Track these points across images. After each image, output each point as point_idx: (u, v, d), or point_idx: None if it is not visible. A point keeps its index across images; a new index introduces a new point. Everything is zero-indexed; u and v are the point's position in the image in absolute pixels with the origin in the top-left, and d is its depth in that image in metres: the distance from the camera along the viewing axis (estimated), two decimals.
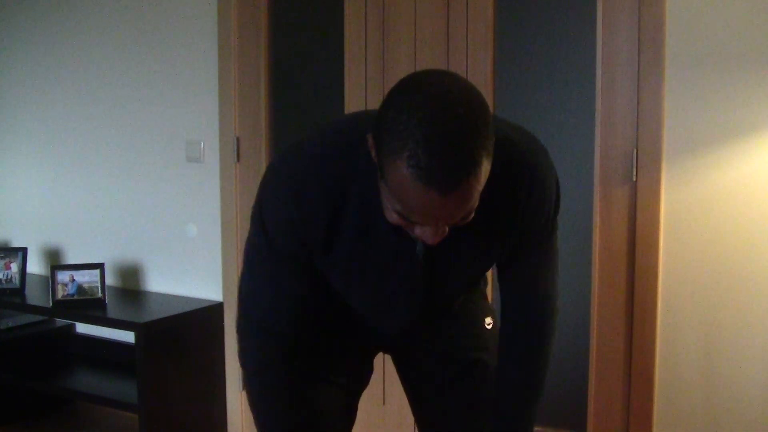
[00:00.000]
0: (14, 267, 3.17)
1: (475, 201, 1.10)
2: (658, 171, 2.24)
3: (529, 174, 1.30)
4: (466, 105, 1.07)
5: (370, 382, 1.67)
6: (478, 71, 2.48)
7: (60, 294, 2.95)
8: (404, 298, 1.41)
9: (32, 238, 3.50)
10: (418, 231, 1.15)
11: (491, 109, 2.49)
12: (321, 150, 1.28)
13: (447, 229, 1.14)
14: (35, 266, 3.48)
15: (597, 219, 2.35)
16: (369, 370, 1.65)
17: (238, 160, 2.95)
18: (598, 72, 2.32)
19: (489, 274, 1.70)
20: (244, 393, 2.95)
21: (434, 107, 1.05)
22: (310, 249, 1.33)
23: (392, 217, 1.15)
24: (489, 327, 1.62)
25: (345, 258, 1.33)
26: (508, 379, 1.50)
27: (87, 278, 2.98)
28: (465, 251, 1.34)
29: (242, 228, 2.95)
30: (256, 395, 1.53)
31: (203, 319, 2.98)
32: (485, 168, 1.08)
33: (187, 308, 2.97)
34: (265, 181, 1.35)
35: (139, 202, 3.22)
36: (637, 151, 2.27)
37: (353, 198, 1.26)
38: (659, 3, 2.20)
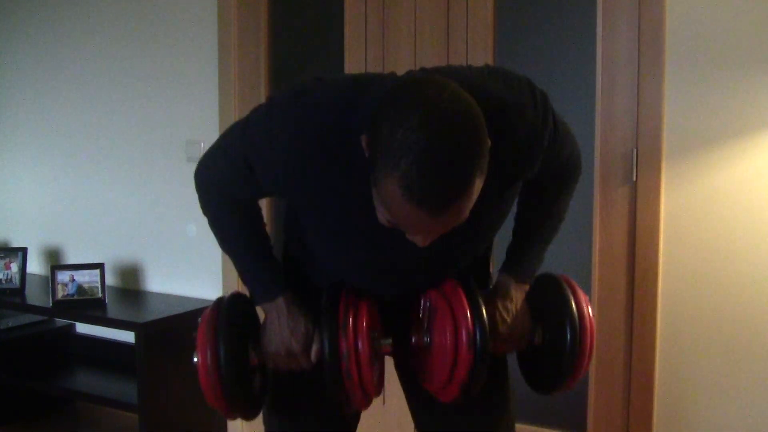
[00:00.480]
0: (14, 267, 3.17)
1: (466, 215, 1.10)
2: (658, 171, 2.24)
3: (514, 126, 1.26)
4: (463, 125, 1.06)
5: None
6: None
7: (60, 294, 2.95)
8: (404, 261, 1.37)
9: (32, 238, 3.50)
10: (408, 235, 1.14)
11: None
12: (321, 104, 1.25)
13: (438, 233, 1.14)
14: (35, 266, 3.48)
15: (597, 219, 2.35)
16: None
17: None
18: (598, 72, 2.31)
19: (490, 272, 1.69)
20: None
21: (430, 129, 1.04)
22: (291, 195, 1.33)
23: (382, 217, 1.15)
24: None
25: (334, 217, 1.31)
26: (525, 221, 1.50)
27: (87, 278, 2.98)
28: (475, 215, 1.26)
29: None
30: (228, 244, 1.52)
31: None
32: (478, 185, 1.07)
33: (187, 308, 2.97)
34: (262, 114, 1.32)
35: (139, 202, 3.22)
36: (637, 151, 2.27)
37: (346, 159, 1.23)
38: (659, 3, 2.20)
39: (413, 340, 1.44)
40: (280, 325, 1.43)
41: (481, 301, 1.37)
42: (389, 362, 1.73)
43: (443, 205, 1.05)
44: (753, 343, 2.17)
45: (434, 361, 1.41)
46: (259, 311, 1.51)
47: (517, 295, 1.47)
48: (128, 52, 3.17)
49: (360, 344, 1.34)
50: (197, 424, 2.97)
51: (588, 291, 2.39)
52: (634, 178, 2.28)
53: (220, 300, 1.48)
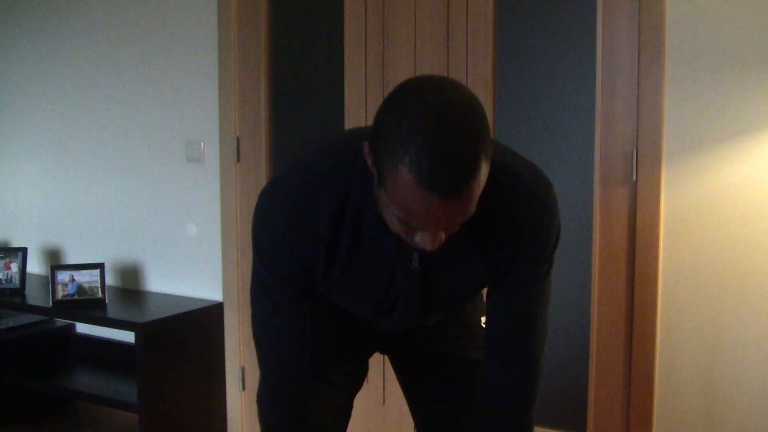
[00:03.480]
0: (14, 267, 3.17)
1: (474, 205, 1.11)
2: (658, 171, 2.24)
3: (528, 199, 1.30)
4: (466, 109, 1.08)
5: (370, 382, 1.67)
6: (478, 71, 2.48)
7: (60, 294, 2.95)
8: (402, 308, 1.41)
9: (32, 238, 3.50)
10: (417, 238, 1.15)
11: (491, 109, 2.49)
12: (313, 173, 1.29)
13: (444, 236, 1.15)
14: (35, 266, 3.48)
15: (597, 219, 2.35)
16: (365, 371, 1.65)
17: (238, 160, 2.95)
18: (598, 72, 2.32)
19: None
20: (244, 393, 2.96)
21: (434, 112, 1.06)
22: (309, 270, 1.34)
23: (392, 223, 1.16)
24: (485, 326, 1.62)
25: (343, 273, 1.33)
26: (497, 416, 1.49)
27: (87, 278, 2.98)
28: (459, 269, 1.34)
29: (242, 228, 2.95)
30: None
31: (203, 319, 2.98)
32: (484, 172, 1.09)
33: (187, 308, 2.97)
34: (259, 211, 1.35)
35: (139, 202, 3.22)
36: (637, 151, 2.27)
37: (348, 215, 1.26)
38: (659, 3, 2.20)
39: None
40: None
41: None
42: (389, 362, 1.74)
43: (454, 187, 1.06)
44: (753, 343, 2.17)
45: None
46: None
47: None
48: (128, 52, 3.18)
49: None
50: (197, 424, 2.98)
51: (588, 291, 2.39)
52: (634, 178, 2.28)
53: None
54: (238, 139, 2.95)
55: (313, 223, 1.27)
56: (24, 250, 3.21)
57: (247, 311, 1.53)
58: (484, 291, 1.68)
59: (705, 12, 2.15)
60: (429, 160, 1.04)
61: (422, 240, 1.15)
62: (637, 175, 2.27)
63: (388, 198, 1.11)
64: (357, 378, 1.62)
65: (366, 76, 2.68)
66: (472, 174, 1.06)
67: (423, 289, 1.37)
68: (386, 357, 1.73)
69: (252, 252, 1.41)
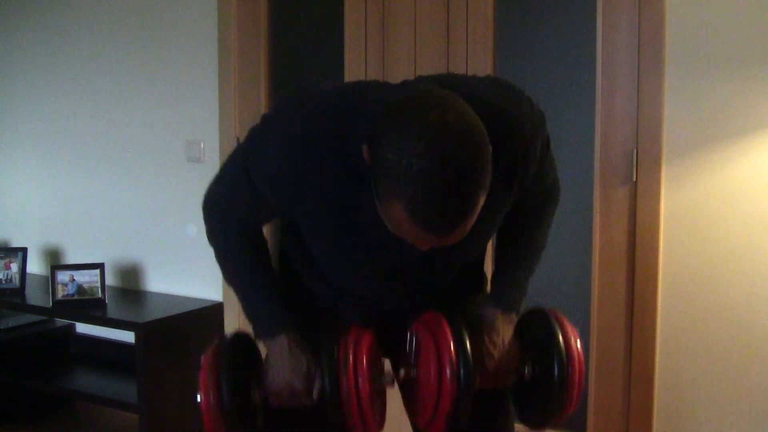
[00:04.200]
0: (14, 267, 3.17)
1: (469, 229, 1.11)
2: (658, 171, 2.24)
3: (512, 134, 1.26)
4: (468, 148, 1.06)
5: None
6: (478, 71, 2.48)
7: (60, 294, 2.95)
8: (402, 268, 1.38)
9: (32, 238, 3.50)
10: (412, 243, 1.15)
11: None
12: (316, 117, 1.25)
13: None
14: (35, 266, 3.48)
15: (597, 219, 2.35)
16: None
17: None
18: (598, 72, 2.31)
19: (488, 272, 1.69)
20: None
21: (435, 155, 1.04)
22: (293, 210, 1.32)
23: (388, 225, 1.16)
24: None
25: (334, 227, 1.32)
26: (507, 252, 1.50)
27: (87, 278, 2.98)
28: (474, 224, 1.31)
29: None
30: (231, 277, 1.57)
31: (203, 319, 2.98)
32: (481, 202, 1.09)
33: (187, 308, 2.97)
34: (258, 134, 1.33)
35: (139, 202, 3.22)
36: (637, 151, 2.27)
37: (345, 169, 1.24)
38: (659, 3, 2.20)
39: (401, 374, 1.45)
40: (282, 364, 1.43)
41: (465, 333, 1.37)
42: (388, 363, 1.73)
43: (450, 229, 1.07)
44: (753, 342, 2.17)
45: (421, 395, 1.41)
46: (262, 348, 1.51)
47: (504, 327, 1.47)
48: (128, 52, 3.17)
49: (361, 383, 1.35)
50: (197, 424, 2.97)
51: (588, 291, 2.39)
52: (634, 178, 2.28)
53: (222, 338, 1.49)
54: (238, 139, 2.95)
55: (312, 167, 1.24)
56: (24, 250, 3.21)
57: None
58: (485, 289, 1.69)
59: (705, 12, 2.15)
60: (427, 204, 1.04)
61: (417, 245, 1.15)
62: (637, 175, 2.27)
63: (383, 215, 1.12)
64: None
65: (366, 76, 2.68)
66: (469, 214, 1.07)
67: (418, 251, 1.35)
68: (386, 360, 1.72)
69: (240, 153, 1.37)
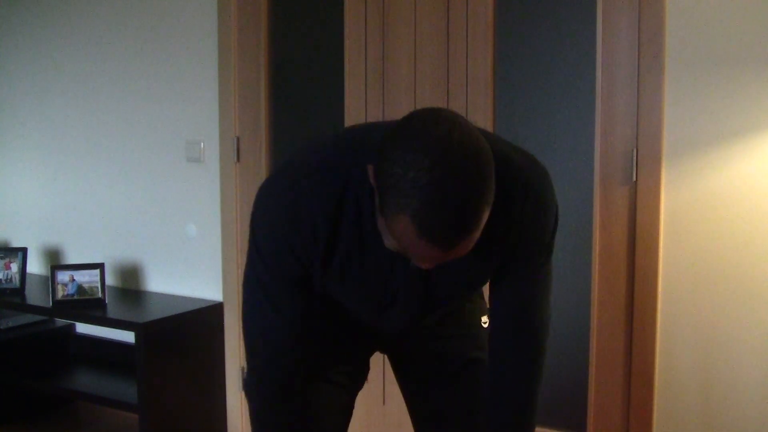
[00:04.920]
0: (14, 267, 3.17)
1: (473, 244, 1.13)
2: (658, 171, 2.24)
3: (524, 190, 1.30)
4: (471, 160, 1.08)
5: (370, 382, 1.67)
6: (478, 71, 2.48)
7: (60, 294, 2.95)
8: (402, 304, 1.42)
9: (32, 238, 3.50)
10: (413, 261, 1.16)
11: (491, 109, 2.49)
12: (311, 169, 1.29)
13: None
14: (35, 266, 3.48)
15: (597, 219, 2.35)
16: (366, 370, 1.65)
17: (238, 160, 2.95)
18: (598, 72, 2.32)
19: None
20: (244, 393, 2.96)
21: (441, 169, 1.05)
22: (308, 267, 1.34)
23: (391, 245, 1.18)
24: (485, 326, 1.62)
25: (342, 270, 1.34)
26: (502, 401, 1.49)
27: (87, 278, 2.98)
28: (460, 264, 1.34)
29: (242, 228, 2.95)
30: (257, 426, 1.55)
31: (203, 319, 2.98)
32: (486, 216, 1.10)
33: (187, 308, 2.97)
34: (258, 205, 1.35)
35: (139, 202, 3.22)
36: (637, 151, 2.27)
37: (348, 212, 1.27)
38: (659, 3, 2.20)
39: None
40: None
41: None
42: (389, 364, 1.74)
43: (455, 242, 1.08)
44: (753, 342, 2.17)
45: None
46: None
47: None
48: (128, 52, 3.18)
49: None
50: (197, 424, 2.98)
51: (588, 291, 2.39)
52: (634, 178, 2.28)
53: None
54: (238, 139, 2.95)
55: (312, 221, 1.27)
56: (24, 250, 3.21)
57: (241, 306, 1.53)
58: (485, 290, 1.69)
59: (705, 12, 2.15)
60: (432, 218, 1.05)
61: (420, 263, 1.16)
62: (637, 175, 2.27)
63: (388, 230, 1.12)
64: (358, 377, 1.62)
65: (366, 76, 2.68)
66: (473, 227, 1.08)
67: (423, 287, 1.37)
68: (386, 357, 1.73)
69: (249, 245, 1.40)
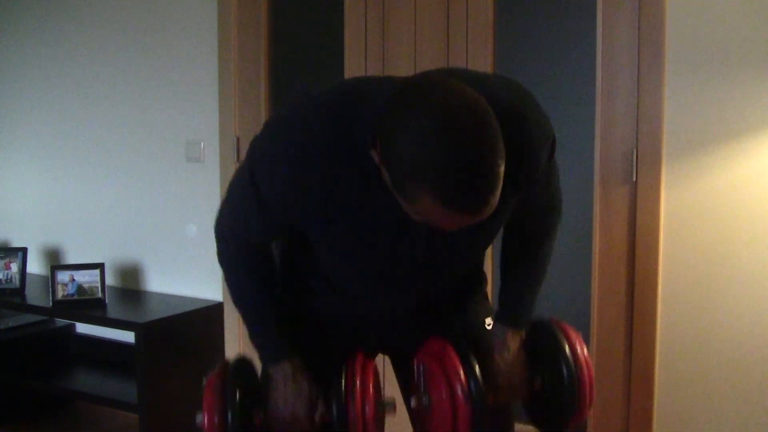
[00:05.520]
0: (14, 267, 3.17)
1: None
2: (658, 171, 2.24)
3: (518, 128, 1.25)
4: (478, 120, 1.07)
5: None
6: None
7: (60, 294, 2.95)
8: (407, 269, 1.39)
9: (32, 238, 3.50)
10: (442, 227, 1.16)
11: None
12: (318, 121, 1.26)
13: None
14: (35, 266, 3.48)
15: (597, 219, 2.35)
16: None
17: (238, 160, 2.95)
18: (598, 72, 2.31)
19: (488, 272, 1.69)
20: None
21: (449, 135, 1.04)
22: (303, 219, 1.32)
23: (416, 217, 1.16)
24: (489, 328, 1.62)
25: (343, 230, 1.32)
26: (513, 267, 1.52)
27: (87, 278, 2.98)
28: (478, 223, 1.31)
29: None
30: (238, 299, 1.55)
31: (203, 319, 2.98)
32: (503, 170, 1.09)
33: (187, 308, 2.97)
34: (261, 144, 1.33)
35: (139, 202, 3.22)
36: (637, 151, 2.27)
37: (352, 169, 1.24)
38: (659, 3, 2.20)
39: (413, 405, 1.48)
40: (285, 390, 1.45)
41: (471, 353, 1.41)
42: (389, 362, 1.74)
43: (481, 204, 1.07)
44: (753, 342, 2.17)
45: (436, 421, 1.43)
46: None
47: (513, 344, 1.50)
48: (128, 52, 3.18)
49: (367, 409, 1.39)
50: (197, 424, 2.97)
51: (588, 291, 2.39)
52: (634, 178, 2.28)
53: (225, 362, 1.51)
54: (238, 139, 2.95)
55: (319, 172, 1.24)
56: (24, 250, 3.21)
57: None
58: (487, 290, 1.69)
59: (705, 12, 2.15)
60: (454, 186, 1.05)
61: (447, 228, 1.15)
62: (637, 175, 2.27)
63: (408, 207, 1.11)
64: None
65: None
66: (495, 185, 1.07)
67: (431, 244, 1.34)
68: (386, 357, 1.73)
69: (243, 168, 1.36)
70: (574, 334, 1.47)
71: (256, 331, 1.52)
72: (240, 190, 1.40)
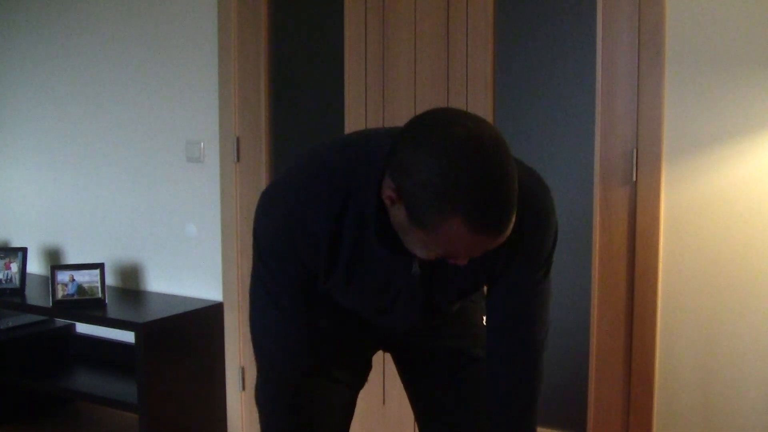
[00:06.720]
0: (14, 267, 3.17)
1: None
2: (658, 171, 2.24)
3: (529, 208, 1.30)
4: (495, 143, 1.10)
5: (370, 382, 1.68)
6: (478, 71, 2.48)
7: (60, 294, 2.95)
8: (403, 308, 1.42)
9: (32, 238, 3.50)
10: (451, 261, 1.18)
11: (491, 109, 2.49)
12: (314, 179, 1.29)
13: None
14: (35, 266, 3.48)
15: (597, 219, 2.35)
16: (368, 367, 1.66)
17: (238, 160, 2.95)
18: (598, 72, 2.32)
19: None
20: (244, 393, 2.96)
21: (477, 162, 1.07)
22: (311, 270, 1.34)
23: (422, 253, 1.18)
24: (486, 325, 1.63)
25: (344, 277, 1.34)
26: (501, 416, 1.49)
27: (87, 278, 2.98)
28: (459, 271, 1.34)
29: (242, 228, 2.95)
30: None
31: (203, 319, 2.98)
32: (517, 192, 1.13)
33: (187, 308, 2.97)
34: (261, 211, 1.36)
35: (139, 202, 3.22)
36: (637, 151, 2.27)
37: (350, 223, 1.27)
38: (659, 3, 2.20)
39: None
40: None
41: None
42: (389, 362, 1.74)
43: (505, 225, 1.11)
44: (753, 342, 2.17)
45: None
46: None
47: None
48: (128, 52, 3.18)
49: None
50: (197, 424, 2.98)
51: (588, 291, 2.39)
52: (634, 178, 2.28)
53: None
54: (238, 139, 2.95)
55: (314, 228, 1.28)
56: (24, 250, 3.21)
57: (248, 311, 1.53)
58: (486, 289, 1.70)
59: (705, 12, 2.15)
60: (483, 211, 1.07)
61: (456, 261, 1.18)
62: (637, 175, 2.27)
63: (428, 239, 1.13)
64: (360, 374, 1.63)
65: (366, 76, 2.68)
66: (515, 204, 1.11)
67: (424, 291, 1.38)
68: (387, 355, 1.73)
69: (252, 249, 1.41)
70: None
71: None
72: (257, 287, 1.43)
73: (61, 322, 3.40)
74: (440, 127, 1.10)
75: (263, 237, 1.35)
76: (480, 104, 2.48)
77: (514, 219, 1.12)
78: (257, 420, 1.59)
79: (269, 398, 1.53)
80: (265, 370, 1.51)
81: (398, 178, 1.12)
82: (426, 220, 1.11)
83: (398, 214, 1.15)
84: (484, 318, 1.64)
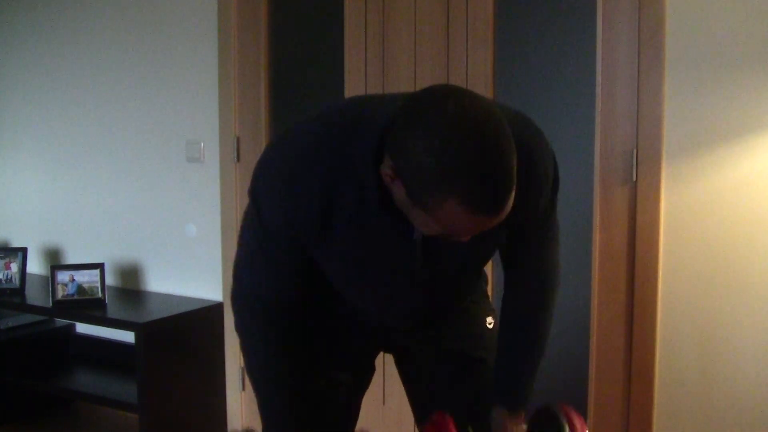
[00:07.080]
0: (14, 267, 3.17)
1: None
2: (658, 171, 2.24)
3: (525, 158, 1.25)
4: (490, 122, 1.09)
5: (371, 382, 1.67)
6: (478, 71, 2.48)
7: (60, 294, 2.95)
8: (405, 288, 1.40)
9: (32, 238, 3.50)
10: (454, 238, 1.17)
11: None
12: (315, 138, 1.26)
13: None
14: (35, 266, 3.48)
15: (597, 219, 2.35)
16: (371, 369, 1.65)
17: (238, 160, 2.95)
18: (598, 72, 2.32)
19: (489, 271, 1.70)
20: (244, 393, 2.96)
21: (473, 142, 1.06)
22: (302, 237, 1.32)
23: (425, 230, 1.17)
24: (490, 327, 1.62)
25: (341, 249, 1.32)
26: (511, 345, 1.51)
27: (87, 278, 2.98)
28: (468, 242, 1.32)
29: None
30: (255, 374, 1.54)
31: (203, 319, 2.98)
32: (516, 166, 1.11)
33: (187, 308, 2.97)
34: (261, 163, 1.34)
35: (139, 202, 3.22)
36: (637, 151, 2.27)
37: (348, 188, 1.24)
38: (659, 3, 2.20)
39: None
40: None
41: None
42: (389, 362, 1.74)
43: (504, 203, 1.10)
44: (753, 342, 2.17)
45: None
46: None
47: (513, 428, 1.51)
48: (128, 52, 3.18)
49: None
50: (197, 424, 2.98)
51: (588, 291, 2.39)
52: (634, 178, 2.28)
53: None
54: (238, 139, 2.95)
55: (309, 193, 1.25)
56: (24, 250, 3.21)
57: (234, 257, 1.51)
58: (488, 289, 1.69)
59: (705, 12, 2.15)
60: (481, 192, 1.06)
61: (458, 239, 1.17)
62: (637, 175, 2.27)
63: (429, 218, 1.12)
64: (362, 376, 1.62)
65: (366, 76, 2.68)
66: (513, 183, 1.10)
67: (428, 261, 1.35)
68: (388, 357, 1.73)
69: (249, 206, 1.38)
70: (579, 425, 1.45)
71: (266, 406, 1.51)
72: (249, 232, 1.42)
73: (61, 322, 3.40)
74: (435, 106, 1.09)
75: (263, 201, 1.33)
76: None
77: (513, 196, 1.10)
78: (257, 420, 1.59)
79: (259, 332, 1.50)
80: (251, 305, 1.46)
81: (395, 158, 1.11)
82: (424, 201, 1.10)
83: (398, 192, 1.15)
84: (488, 319, 1.64)
